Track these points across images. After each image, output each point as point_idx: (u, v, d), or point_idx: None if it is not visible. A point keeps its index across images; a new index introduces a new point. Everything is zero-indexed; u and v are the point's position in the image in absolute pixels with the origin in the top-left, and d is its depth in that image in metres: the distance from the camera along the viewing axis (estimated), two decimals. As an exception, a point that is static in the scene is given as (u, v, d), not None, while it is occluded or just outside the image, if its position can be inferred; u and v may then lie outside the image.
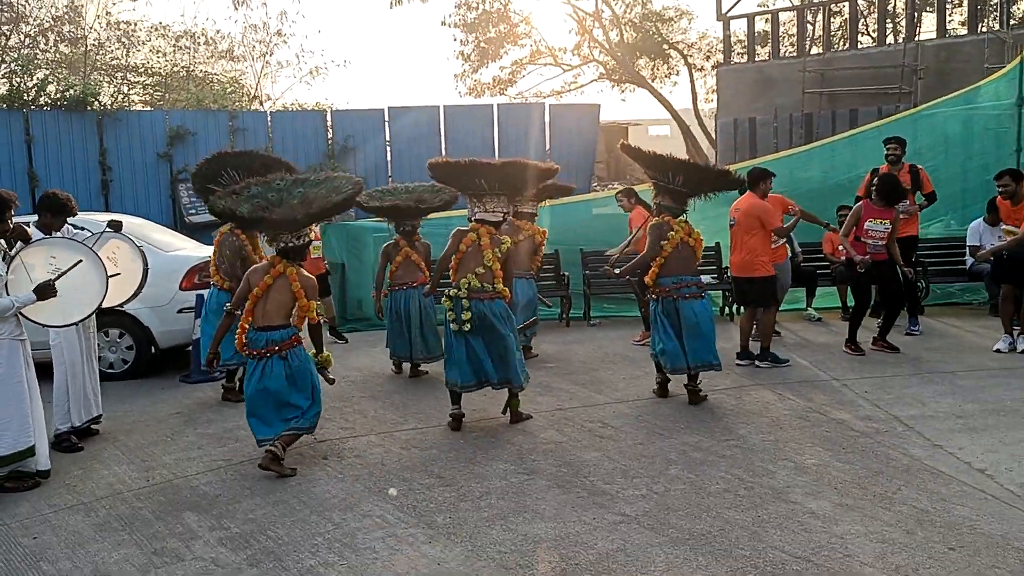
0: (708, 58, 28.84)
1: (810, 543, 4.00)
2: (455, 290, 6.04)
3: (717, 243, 10.30)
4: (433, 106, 19.17)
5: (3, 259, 5.26)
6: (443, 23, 26.27)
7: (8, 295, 5.15)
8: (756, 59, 21.59)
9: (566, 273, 10.60)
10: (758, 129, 19.24)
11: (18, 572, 4.11)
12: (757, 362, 7.63)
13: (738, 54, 24.05)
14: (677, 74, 29.13)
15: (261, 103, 24.08)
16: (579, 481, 4.95)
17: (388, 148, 18.75)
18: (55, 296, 5.23)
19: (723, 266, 10.33)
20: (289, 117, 19.16)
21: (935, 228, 11.05)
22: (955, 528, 4.15)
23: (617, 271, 6.88)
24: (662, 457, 5.31)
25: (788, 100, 18.73)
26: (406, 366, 8.00)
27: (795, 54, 20.65)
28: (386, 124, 18.79)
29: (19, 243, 5.44)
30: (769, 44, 22.24)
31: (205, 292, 8.12)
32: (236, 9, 25.86)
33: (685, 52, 28.15)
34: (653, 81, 28.03)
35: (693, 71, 28.00)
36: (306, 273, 5.57)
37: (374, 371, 8.10)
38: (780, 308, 9.58)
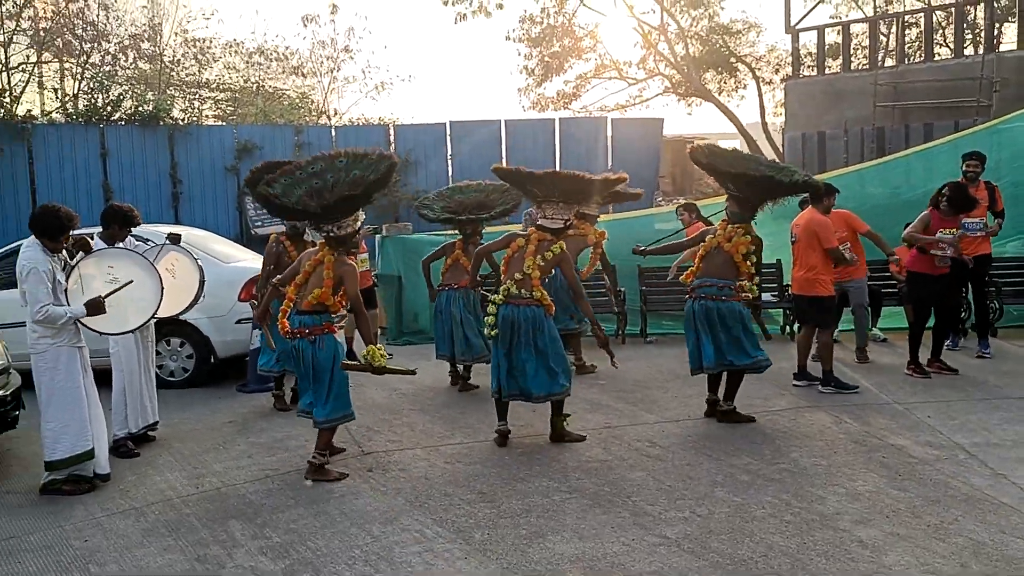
0: (777, 71, 28.38)
1: (855, 573, 3.86)
2: (495, 295, 6.04)
3: (779, 260, 10.07)
4: (494, 120, 19.31)
5: (63, 269, 5.44)
6: (507, 38, 26.39)
7: (68, 304, 5.33)
8: (826, 72, 21.17)
9: (623, 289, 10.47)
10: (827, 143, 18.84)
11: (67, 573, 4.22)
12: (820, 388, 7.38)
13: (807, 67, 23.62)
14: (744, 87, 28.73)
15: (329, 118, 24.56)
16: (621, 501, 4.87)
17: (449, 162, 18.91)
18: (104, 313, 5.37)
19: (784, 283, 10.10)
20: (353, 131, 19.50)
21: (1012, 246, 10.59)
22: (1013, 563, 3.95)
23: (643, 248, 7.06)
24: (708, 479, 5.19)
25: (859, 114, 18.30)
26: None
27: (867, 66, 20.18)
28: (448, 138, 18.97)
29: (80, 253, 5.63)
30: (840, 56, 21.77)
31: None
32: (305, 26, 26.40)
33: (753, 65, 27.75)
34: (720, 95, 27.70)
35: (761, 84, 27.57)
36: (348, 261, 5.50)
37: (425, 384, 8.12)
38: (842, 328, 9.36)
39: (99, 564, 4.30)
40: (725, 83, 28.24)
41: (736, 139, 31.22)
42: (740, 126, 26.19)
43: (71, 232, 5.42)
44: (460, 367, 8.00)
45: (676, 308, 10.44)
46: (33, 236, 5.33)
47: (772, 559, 4.03)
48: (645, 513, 4.68)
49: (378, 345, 5.45)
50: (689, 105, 29.04)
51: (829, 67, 21.88)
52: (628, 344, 10.05)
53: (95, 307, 5.34)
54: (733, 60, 27.42)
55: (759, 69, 27.98)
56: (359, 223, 5.62)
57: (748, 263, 6.45)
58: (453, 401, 7.52)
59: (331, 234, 5.47)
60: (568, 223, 6.24)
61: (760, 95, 27.32)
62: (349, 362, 5.53)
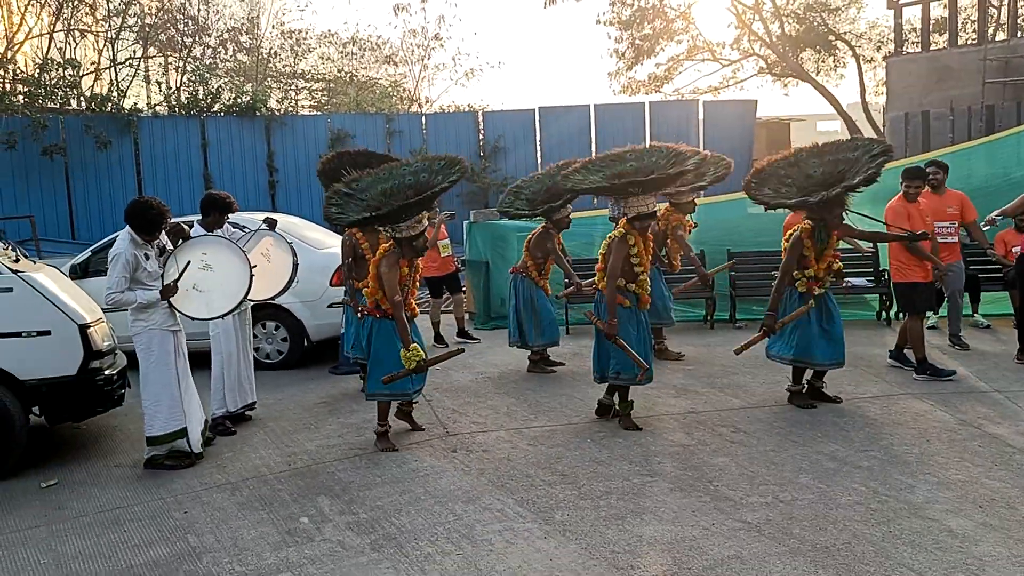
0: (878, 49, 27.31)
1: (943, 563, 3.73)
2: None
3: (875, 244, 9.74)
4: (583, 106, 19.23)
5: (159, 256, 5.71)
6: (597, 21, 26.21)
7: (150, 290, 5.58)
8: (931, 48, 20.27)
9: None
10: (931, 123, 18.07)
11: (168, 542, 4.47)
12: (915, 375, 7.13)
13: (911, 43, 22.67)
14: (844, 66, 27.78)
15: (420, 106, 24.93)
16: (702, 486, 4.84)
17: (538, 148, 18.96)
18: (173, 296, 5.61)
19: (880, 268, 9.78)
20: (443, 119, 19.76)
21: None
22: (1118, 559, 3.76)
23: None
24: (793, 465, 5.10)
25: (966, 91, 17.48)
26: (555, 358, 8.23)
27: (975, 41, 19.21)
28: (536, 124, 19.00)
29: (180, 240, 5.90)
30: (946, 31, 20.80)
31: (354, 288, 8.54)
32: (396, 15, 26.88)
33: (853, 43, 26.77)
34: (817, 74, 26.84)
35: (861, 63, 26.59)
36: (388, 268, 5.61)
37: (510, 368, 8.21)
38: (940, 314, 9.00)
39: (197, 535, 4.54)
40: (823, 62, 27.34)
41: (835, 120, 30.23)
42: (839, 107, 25.32)
43: (164, 223, 5.67)
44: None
45: (766, 294, 10.25)
46: (127, 227, 5.61)
47: (856, 547, 3.94)
48: (726, 498, 4.63)
49: (412, 346, 5.52)
50: (785, 86, 28.22)
51: (934, 43, 20.94)
52: (717, 329, 9.90)
53: (167, 291, 5.59)
54: (832, 38, 26.51)
55: (859, 47, 26.98)
56: (421, 225, 5.71)
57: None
58: (536, 385, 7.57)
59: (396, 235, 5.68)
60: (652, 210, 6.10)
61: (860, 74, 26.38)
62: (389, 375, 5.60)
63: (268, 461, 5.74)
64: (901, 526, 4.15)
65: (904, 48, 21.29)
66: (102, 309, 6.18)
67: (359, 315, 6.26)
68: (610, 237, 6.05)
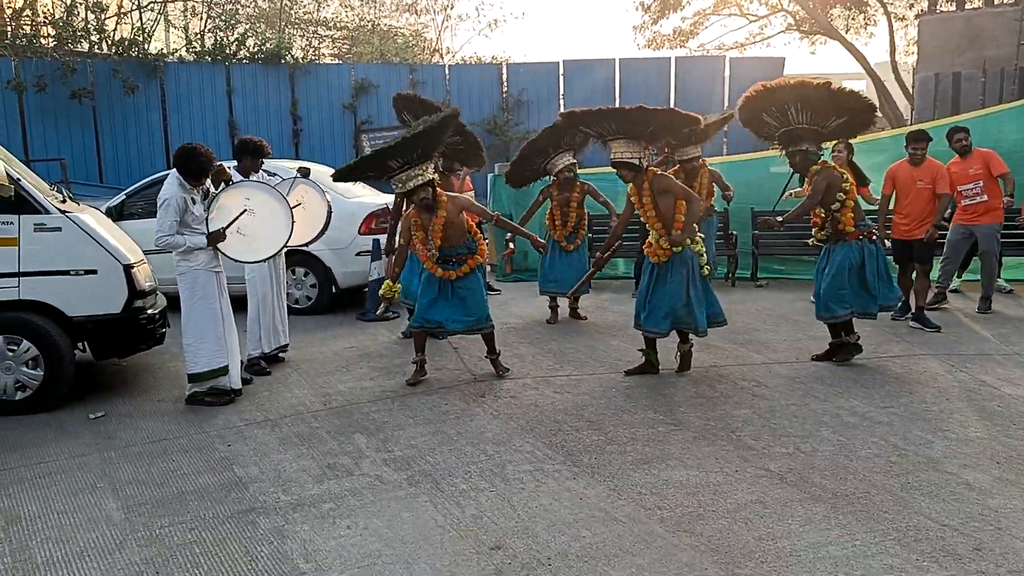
0: (911, 7, 26.78)
1: (960, 513, 3.89)
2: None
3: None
4: (608, 59, 19.09)
5: (204, 199, 5.87)
6: (624, -27, 25.82)
7: (207, 230, 5.76)
8: (965, 7, 19.92)
9: (734, 232, 10.42)
10: (962, 84, 17.83)
11: (216, 472, 4.69)
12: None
13: (946, 2, 22.23)
14: (874, 24, 27.28)
15: (441, 56, 24.77)
16: (726, 435, 5.01)
17: (562, 102, 18.87)
18: (222, 242, 5.78)
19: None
20: (466, 70, 19.67)
21: None
22: None
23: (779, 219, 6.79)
24: (814, 419, 5.25)
25: (1000, 52, 17.19)
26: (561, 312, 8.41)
27: (1011, 2, 18.85)
28: (560, 77, 18.90)
29: (222, 184, 6.04)
30: (981, -10, 20.44)
31: (382, 237, 8.69)
32: (421, -38, 26.57)
33: (885, 1, 26.28)
34: (847, 32, 26.40)
35: (893, 21, 26.11)
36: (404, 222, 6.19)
37: (534, 319, 8.37)
38: (964, 278, 9.09)
39: (242, 466, 4.75)
40: (853, 19, 26.86)
41: (862, 79, 29.81)
42: (867, 66, 24.94)
43: (211, 169, 5.82)
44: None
45: (788, 252, 10.35)
46: (175, 171, 5.76)
47: (874, 496, 4.10)
48: (749, 447, 4.80)
49: (387, 282, 6.19)
50: (813, 44, 27.80)
51: (969, 2, 20.55)
52: (738, 287, 10.01)
53: (215, 237, 5.76)
54: (863, -5, 26.02)
55: (891, 4, 26.46)
56: (423, 178, 5.96)
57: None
58: (559, 336, 7.73)
59: (400, 189, 6.04)
60: (641, 159, 6.11)
61: (891, 32, 25.91)
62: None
63: (304, 400, 5.94)
64: (919, 478, 4.31)
65: (938, 6, 20.91)
66: (146, 251, 6.36)
67: None
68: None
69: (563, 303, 8.48)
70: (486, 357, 6.49)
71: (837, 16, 26.50)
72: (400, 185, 5.99)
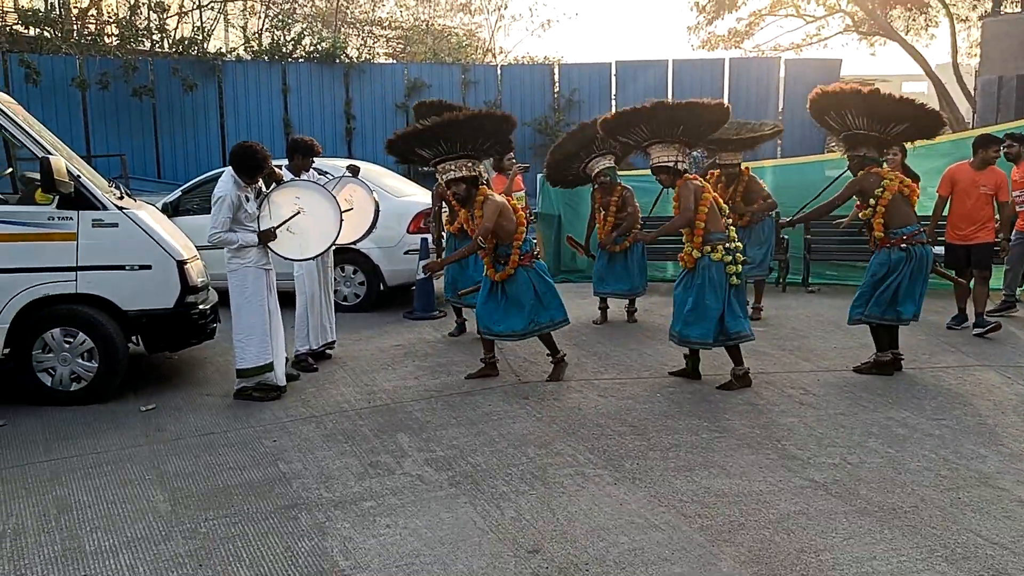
0: (974, 7, 26.10)
1: (1011, 531, 3.78)
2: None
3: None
4: (661, 60, 18.97)
5: (256, 197, 5.97)
6: (679, -26, 25.58)
7: (259, 228, 5.86)
8: (1031, 8, 19.35)
9: (785, 236, 10.23)
10: (1026, 87, 17.30)
11: (260, 467, 4.77)
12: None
13: (1011, 3, 21.61)
14: (936, 25, 26.62)
15: (495, 56, 24.85)
16: (770, 444, 4.93)
17: (614, 102, 18.80)
18: (273, 241, 5.88)
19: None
20: (517, 70, 19.70)
21: None
22: None
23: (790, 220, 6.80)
24: (862, 429, 5.15)
25: (1066, 55, 16.69)
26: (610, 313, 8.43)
27: (1079, 2, 18.27)
28: (613, 78, 18.83)
29: (273, 184, 6.14)
30: (1048, -9, 19.82)
31: (430, 236, 8.75)
32: (474, -37, 26.69)
33: (948, 1, 25.63)
34: (907, 33, 25.81)
35: (955, 22, 25.46)
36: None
37: (580, 321, 8.34)
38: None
39: (286, 462, 4.83)
40: (914, 20, 26.25)
41: (922, 81, 29.13)
42: (928, 68, 24.37)
43: (264, 170, 5.92)
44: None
45: (841, 257, 10.16)
46: (230, 168, 5.87)
47: (923, 511, 4.00)
48: (793, 457, 4.72)
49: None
50: (872, 45, 27.25)
51: (1035, 3, 19.94)
52: (789, 292, 9.86)
53: (266, 236, 5.86)
54: (925, -5, 25.40)
55: (954, 5, 25.80)
56: (448, 175, 6.09)
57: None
58: (605, 338, 7.70)
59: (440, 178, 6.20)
60: (679, 163, 6.06)
61: (953, 34, 25.27)
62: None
63: (349, 397, 6.01)
64: (970, 493, 4.19)
65: (1002, 8, 20.35)
66: (198, 247, 6.49)
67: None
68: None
69: (614, 304, 8.46)
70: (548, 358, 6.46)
71: (897, 17, 25.93)
72: (441, 173, 6.12)
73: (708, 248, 5.96)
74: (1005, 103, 17.50)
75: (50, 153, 5.67)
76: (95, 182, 6.02)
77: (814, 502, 4.13)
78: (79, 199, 5.78)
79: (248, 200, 5.88)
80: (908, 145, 7.33)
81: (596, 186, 8.15)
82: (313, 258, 6.39)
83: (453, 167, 6.07)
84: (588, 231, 8.52)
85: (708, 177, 8.51)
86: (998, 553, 3.59)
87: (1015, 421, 5.27)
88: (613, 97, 18.91)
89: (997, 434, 5.04)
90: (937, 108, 6.93)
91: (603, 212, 8.20)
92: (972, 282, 7.61)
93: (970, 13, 26.22)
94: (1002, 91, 17.68)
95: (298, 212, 6.00)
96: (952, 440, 4.95)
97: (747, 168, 8.53)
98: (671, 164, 6.02)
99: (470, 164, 6.09)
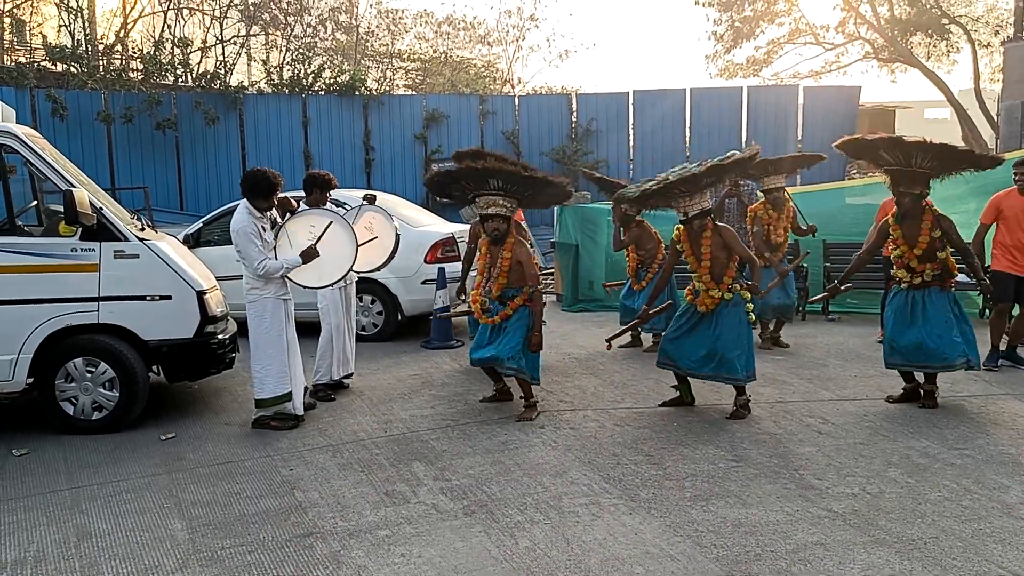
0: (996, 33, 26.02)
1: (1033, 563, 3.72)
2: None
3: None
4: (679, 89, 19.05)
5: (272, 227, 6.04)
6: (696, 2, 25.75)
7: (276, 259, 5.93)
8: (1051, 34, 19.26)
9: (804, 265, 10.21)
10: (1050, 114, 17.21)
11: (277, 495, 4.78)
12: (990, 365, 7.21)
13: (1031, 28, 21.53)
14: (957, 51, 26.57)
15: (512, 86, 25.07)
16: (788, 473, 4.89)
17: (631, 131, 18.88)
18: (318, 257, 5.95)
19: (986, 264, 9.50)
20: (535, 100, 19.85)
21: None
22: None
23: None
24: (882, 459, 5.09)
25: (1087, 80, 16.59)
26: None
27: (1100, 28, 18.20)
28: (630, 107, 18.92)
29: (288, 215, 6.22)
30: (1069, 17, 19.73)
31: (447, 265, 8.80)
32: (492, -5, 27.02)
33: (969, 27, 25.57)
34: (928, 60, 25.78)
35: (977, 48, 25.40)
36: (520, 247, 6.12)
37: (598, 350, 8.34)
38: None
39: (302, 490, 4.84)
40: (935, 47, 26.21)
41: (944, 108, 29.06)
42: (949, 94, 24.30)
43: (277, 191, 5.98)
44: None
45: (862, 287, 10.09)
46: (244, 200, 5.94)
47: (943, 542, 3.95)
48: (812, 487, 4.68)
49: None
50: (892, 72, 27.22)
51: (1056, 28, 19.85)
52: (809, 320, 9.81)
53: (308, 255, 5.93)
54: (945, 21, 25.38)
55: (975, 31, 25.76)
56: (500, 209, 6.06)
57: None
58: (623, 367, 7.68)
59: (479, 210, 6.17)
60: (705, 211, 6.00)
61: (975, 60, 25.20)
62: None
63: (365, 427, 6.03)
64: (992, 524, 4.13)
65: None
66: (218, 277, 6.56)
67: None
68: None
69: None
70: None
71: (918, 44, 25.92)
72: (482, 206, 6.07)
73: (738, 287, 6.02)
74: (1027, 129, 17.39)
75: (73, 186, 5.78)
76: (117, 214, 6.13)
77: (832, 532, 4.08)
78: (101, 231, 5.88)
79: (265, 230, 5.95)
80: None
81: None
82: (330, 285, 6.43)
83: (501, 203, 6.06)
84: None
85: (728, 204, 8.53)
86: (1020, 585, 3.53)
87: (1038, 450, 5.19)
88: (631, 126, 18.99)
89: (1021, 464, 4.97)
90: (960, 135, 6.86)
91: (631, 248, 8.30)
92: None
93: (992, 39, 26.14)
94: (1024, 117, 17.58)
95: (330, 223, 6.07)
96: (974, 470, 4.88)
97: (787, 192, 8.47)
98: (707, 206, 6.00)
99: (512, 204, 6.11)
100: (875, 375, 7.02)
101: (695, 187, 5.94)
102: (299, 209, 6.36)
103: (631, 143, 18.89)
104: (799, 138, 18.79)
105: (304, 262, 5.92)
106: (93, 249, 5.89)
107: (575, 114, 18.94)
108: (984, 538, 3.99)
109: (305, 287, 6.20)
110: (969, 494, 4.52)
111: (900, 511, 4.32)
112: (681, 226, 6.09)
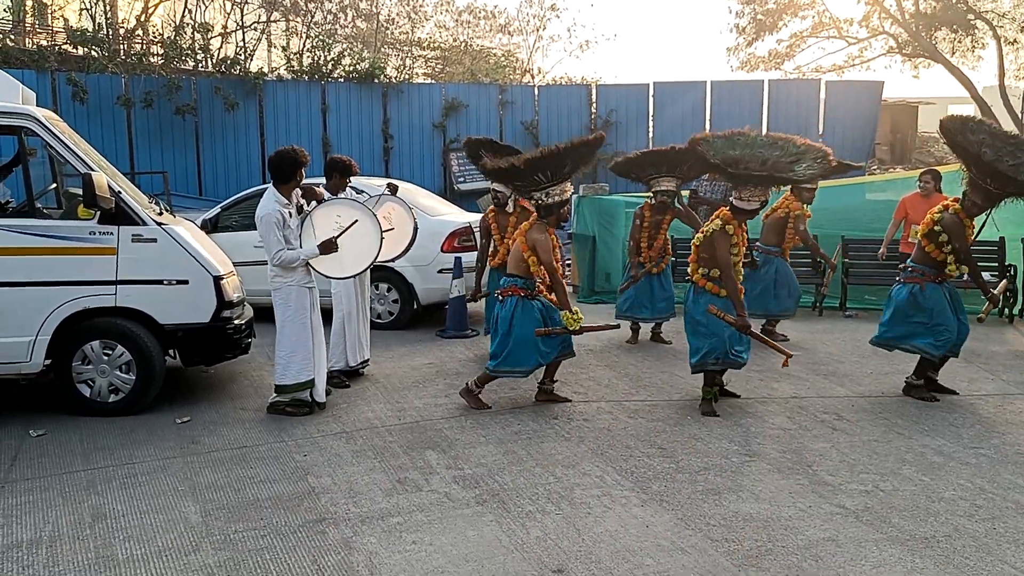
0: (1022, 30, 25.67)
1: (1048, 564, 3.69)
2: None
3: (1001, 238, 9.43)
4: (700, 82, 18.93)
5: (298, 214, 6.05)
6: (719, -6, 25.55)
7: (300, 246, 5.94)
8: (1078, 30, 18.99)
9: (821, 260, 10.13)
10: (1074, 110, 16.99)
11: (291, 480, 4.82)
12: None
13: (1057, 25, 21.24)
14: (983, 47, 26.23)
15: (532, 76, 24.99)
16: (801, 469, 4.87)
17: (651, 123, 18.78)
18: (336, 251, 5.95)
19: (1007, 263, 9.43)
20: (555, 91, 19.76)
21: None
22: None
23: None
24: (896, 456, 5.06)
25: (1114, 77, 16.34)
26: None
27: None
28: (651, 99, 18.82)
29: (313, 202, 6.22)
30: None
31: (463, 255, 8.80)
32: (514, -15, 26.88)
33: (995, 22, 25.23)
34: (953, 56, 25.47)
35: (1003, 44, 25.06)
36: (539, 233, 5.93)
37: (613, 342, 8.32)
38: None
39: (316, 476, 4.87)
40: (959, 43, 25.87)
41: (968, 104, 28.71)
42: (973, 90, 24.02)
43: (303, 170, 5.98)
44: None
45: (880, 283, 10.02)
46: (271, 185, 5.96)
47: (956, 540, 3.92)
48: (824, 483, 4.66)
49: (573, 309, 5.87)
50: (916, 67, 26.93)
51: (1083, 25, 19.57)
52: (826, 316, 9.75)
53: (327, 247, 5.93)
54: (971, 17, 25.05)
55: (1001, 27, 25.41)
56: (568, 194, 6.02)
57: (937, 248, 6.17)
58: (638, 359, 7.67)
59: (540, 202, 5.97)
60: (764, 204, 6.04)
61: (1000, 56, 24.86)
62: (543, 329, 5.90)
63: (380, 414, 6.05)
64: (1007, 524, 4.10)
65: (1049, 30, 20.03)
66: (236, 263, 6.59)
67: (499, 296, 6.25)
68: (706, 229, 5.98)
69: (645, 325, 8.45)
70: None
71: (942, 39, 25.60)
72: (552, 197, 5.94)
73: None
74: (1051, 126, 17.19)
75: (92, 169, 5.81)
76: (136, 198, 6.16)
77: (844, 529, 4.07)
78: (119, 214, 5.91)
79: (291, 216, 5.96)
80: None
81: (649, 203, 8.09)
82: (351, 277, 6.44)
83: (564, 188, 6.01)
84: (634, 253, 8.24)
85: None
86: (1034, 586, 3.51)
87: (1056, 451, 5.15)
88: (651, 118, 18.89)
89: (1036, 464, 4.93)
90: None
91: (650, 231, 8.07)
92: None
93: (1019, 35, 25.80)
94: (1048, 114, 17.37)
95: (355, 222, 6.06)
96: (989, 469, 4.84)
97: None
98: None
99: (568, 185, 6.09)
100: (891, 372, 6.97)
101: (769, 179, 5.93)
102: (327, 198, 6.35)
103: (651, 134, 18.78)
104: (820, 132, 18.62)
105: (322, 253, 5.92)
106: (111, 233, 5.92)
107: (595, 105, 18.85)
108: (998, 538, 3.96)
109: (328, 277, 6.20)
110: (983, 493, 4.49)
111: (913, 509, 4.30)
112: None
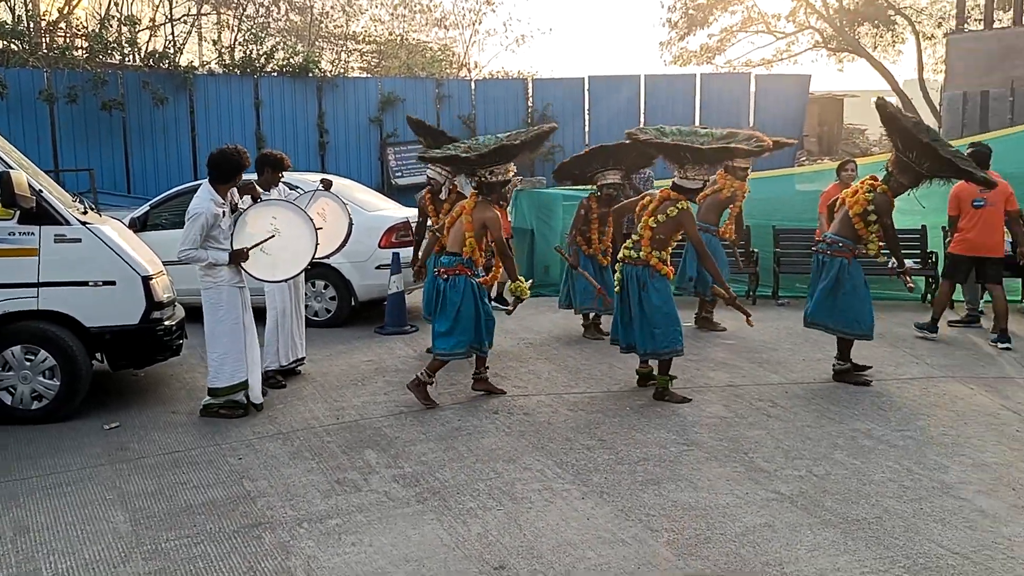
0: (939, 25, 26.59)
1: (972, 541, 3.82)
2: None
3: (923, 226, 9.73)
4: (634, 75, 19.09)
5: (232, 212, 5.90)
6: (651, -10, 25.85)
7: (232, 245, 5.78)
8: (994, 26, 19.72)
9: (756, 250, 10.34)
10: (991, 103, 17.65)
11: (225, 485, 4.71)
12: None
13: (974, 20, 22.05)
14: (903, 42, 27.10)
15: (469, 71, 24.90)
16: (738, 457, 4.95)
17: (587, 116, 18.88)
18: (245, 261, 5.80)
19: (927, 250, 9.74)
20: (491, 85, 19.73)
21: None
22: None
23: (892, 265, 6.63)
24: (828, 441, 5.18)
25: (1028, 71, 17.04)
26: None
27: (1041, 20, 18.68)
28: (586, 93, 18.91)
29: (248, 199, 6.08)
30: (1011, 9, 20.22)
31: (402, 250, 8.72)
32: (448, -22, 26.77)
33: (913, 18, 26.08)
34: (874, 50, 26.25)
35: (921, 39, 25.91)
36: (488, 211, 5.97)
37: (552, 334, 8.35)
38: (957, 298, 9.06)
39: (251, 479, 4.77)
40: (881, 37, 26.71)
41: (890, 97, 29.56)
42: (895, 84, 24.79)
43: (239, 174, 5.84)
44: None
45: (809, 270, 10.24)
46: (206, 182, 5.80)
47: (886, 521, 4.03)
48: (760, 469, 4.74)
49: (519, 278, 6.08)
50: (840, 61, 27.71)
51: (999, 20, 20.36)
52: (759, 305, 9.92)
53: (238, 256, 5.78)
54: (891, 13, 25.85)
55: (919, 22, 26.29)
56: (511, 174, 6.13)
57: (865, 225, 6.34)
58: (576, 352, 7.70)
59: (484, 179, 6.00)
60: (706, 183, 6.25)
61: (919, 51, 25.72)
62: (499, 305, 5.99)
63: (317, 414, 5.96)
64: (932, 504, 4.23)
65: (966, 25, 20.73)
66: (166, 262, 6.41)
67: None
68: (673, 210, 5.99)
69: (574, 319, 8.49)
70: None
71: (865, 34, 26.36)
72: (496, 175, 6.05)
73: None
74: (970, 118, 17.84)
75: (11, 167, 5.59)
76: (59, 197, 5.95)
77: (780, 515, 4.15)
78: (41, 214, 5.69)
79: (224, 215, 5.81)
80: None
81: (595, 195, 8.12)
82: (283, 280, 6.32)
83: (508, 167, 6.12)
84: (572, 243, 8.34)
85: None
86: (959, 563, 3.62)
87: (977, 432, 5.33)
88: (587, 111, 18.98)
89: (959, 445, 5.10)
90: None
91: (599, 224, 8.10)
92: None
93: (935, 30, 26.70)
94: (966, 106, 18.03)
95: (272, 236, 5.91)
96: (915, 451, 4.99)
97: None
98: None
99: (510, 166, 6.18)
100: (823, 359, 7.12)
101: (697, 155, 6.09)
102: (262, 196, 6.20)
103: (586, 127, 18.88)
104: (752, 125, 18.93)
105: (231, 262, 5.76)
106: (32, 233, 5.70)
107: (531, 99, 18.86)
108: (925, 517, 4.08)
109: (258, 279, 6.06)
110: (911, 474, 4.63)
111: (845, 492, 4.40)
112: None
